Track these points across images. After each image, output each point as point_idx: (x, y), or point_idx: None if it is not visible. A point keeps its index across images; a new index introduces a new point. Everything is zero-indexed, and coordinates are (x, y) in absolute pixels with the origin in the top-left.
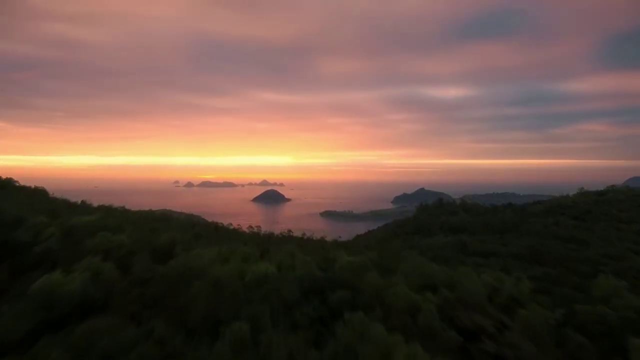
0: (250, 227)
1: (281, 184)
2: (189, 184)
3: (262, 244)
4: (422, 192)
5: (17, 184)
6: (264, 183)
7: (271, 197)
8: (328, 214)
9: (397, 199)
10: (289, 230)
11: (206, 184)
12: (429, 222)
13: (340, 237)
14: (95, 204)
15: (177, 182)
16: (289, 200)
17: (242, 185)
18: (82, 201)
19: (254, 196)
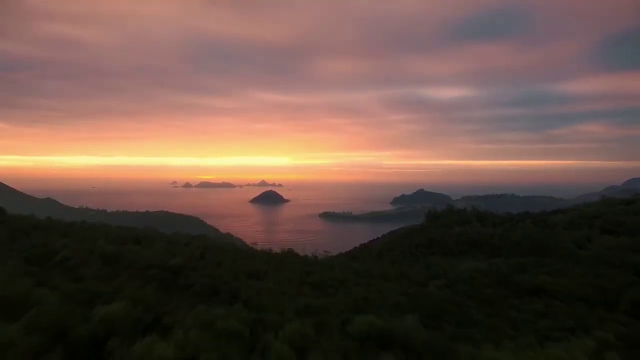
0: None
1: (280, 185)
2: (188, 185)
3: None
4: (421, 194)
5: None
6: (263, 184)
7: (270, 198)
8: (327, 216)
9: (397, 201)
10: (290, 249)
11: (205, 185)
12: (442, 234)
13: (343, 252)
14: (69, 220)
15: (175, 182)
16: (287, 201)
17: (241, 187)
18: (47, 218)
19: (253, 197)
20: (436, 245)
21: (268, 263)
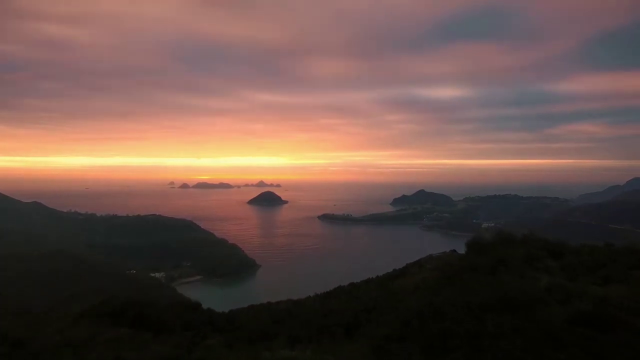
0: None
1: (278, 185)
2: (185, 186)
3: None
4: (422, 194)
5: None
6: (261, 184)
7: (268, 199)
8: (326, 218)
9: (397, 201)
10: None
11: (202, 186)
12: (518, 289)
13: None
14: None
15: (172, 183)
16: (286, 202)
17: (239, 187)
18: None
19: (250, 198)
20: (520, 313)
21: None
